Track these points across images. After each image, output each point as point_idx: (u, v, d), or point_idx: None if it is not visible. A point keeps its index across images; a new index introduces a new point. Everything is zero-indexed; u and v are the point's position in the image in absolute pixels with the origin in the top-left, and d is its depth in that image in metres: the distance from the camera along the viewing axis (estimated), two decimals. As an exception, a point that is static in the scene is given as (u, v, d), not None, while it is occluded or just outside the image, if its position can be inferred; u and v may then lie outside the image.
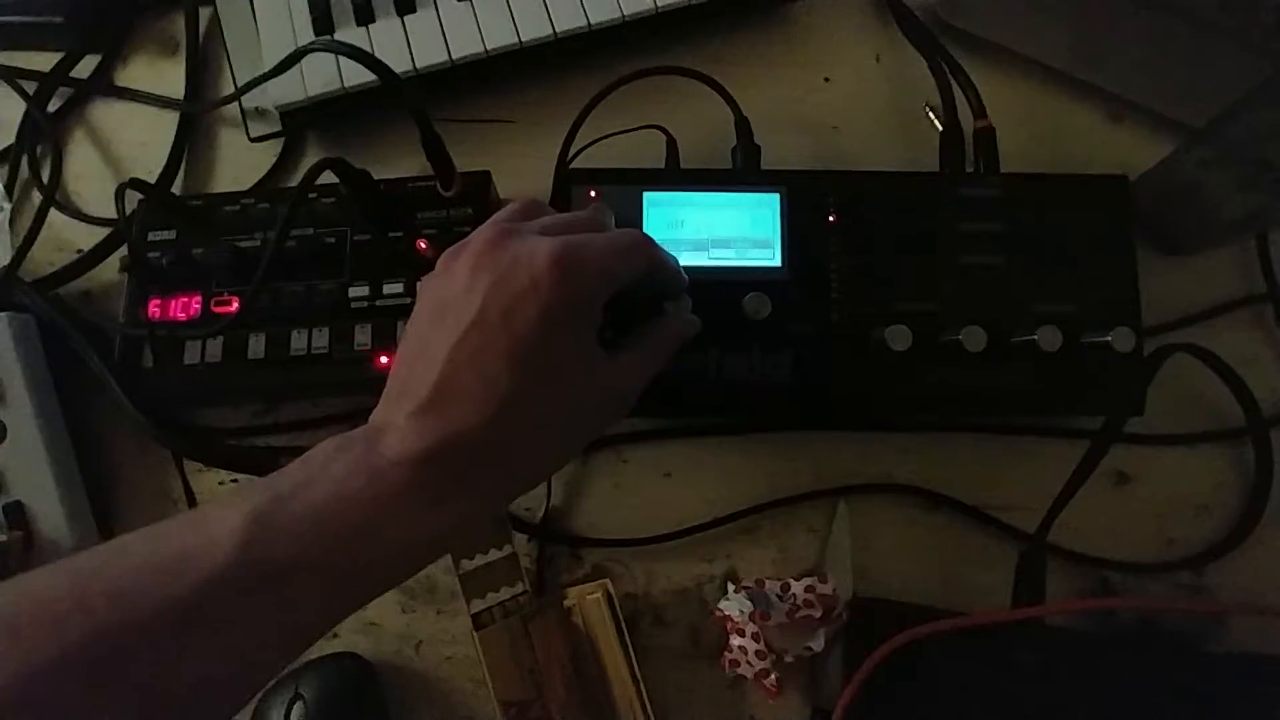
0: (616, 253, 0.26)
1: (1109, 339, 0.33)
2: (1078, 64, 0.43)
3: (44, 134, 0.43)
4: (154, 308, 0.37)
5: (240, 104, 0.41)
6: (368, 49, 0.40)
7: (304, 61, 0.38)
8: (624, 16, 0.41)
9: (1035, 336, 0.34)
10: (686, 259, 0.35)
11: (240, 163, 0.43)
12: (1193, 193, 0.38)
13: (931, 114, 0.41)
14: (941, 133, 0.39)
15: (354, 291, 0.36)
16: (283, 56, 0.33)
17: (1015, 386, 0.35)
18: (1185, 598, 0.36)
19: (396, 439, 0.22)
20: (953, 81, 0.40)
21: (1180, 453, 0.38)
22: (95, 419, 0.39)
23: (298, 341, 0.36)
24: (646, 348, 0.27)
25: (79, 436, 0.38)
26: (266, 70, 0.34)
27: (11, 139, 0.43)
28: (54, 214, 0.41)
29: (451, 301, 0.24)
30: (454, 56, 0.40)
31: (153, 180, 0.41)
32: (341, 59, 0.39)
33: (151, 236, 0.38)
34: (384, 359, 0.36)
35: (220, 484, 0.39)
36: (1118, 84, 0.42)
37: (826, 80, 0.44)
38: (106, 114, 0.44)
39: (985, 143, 0.39)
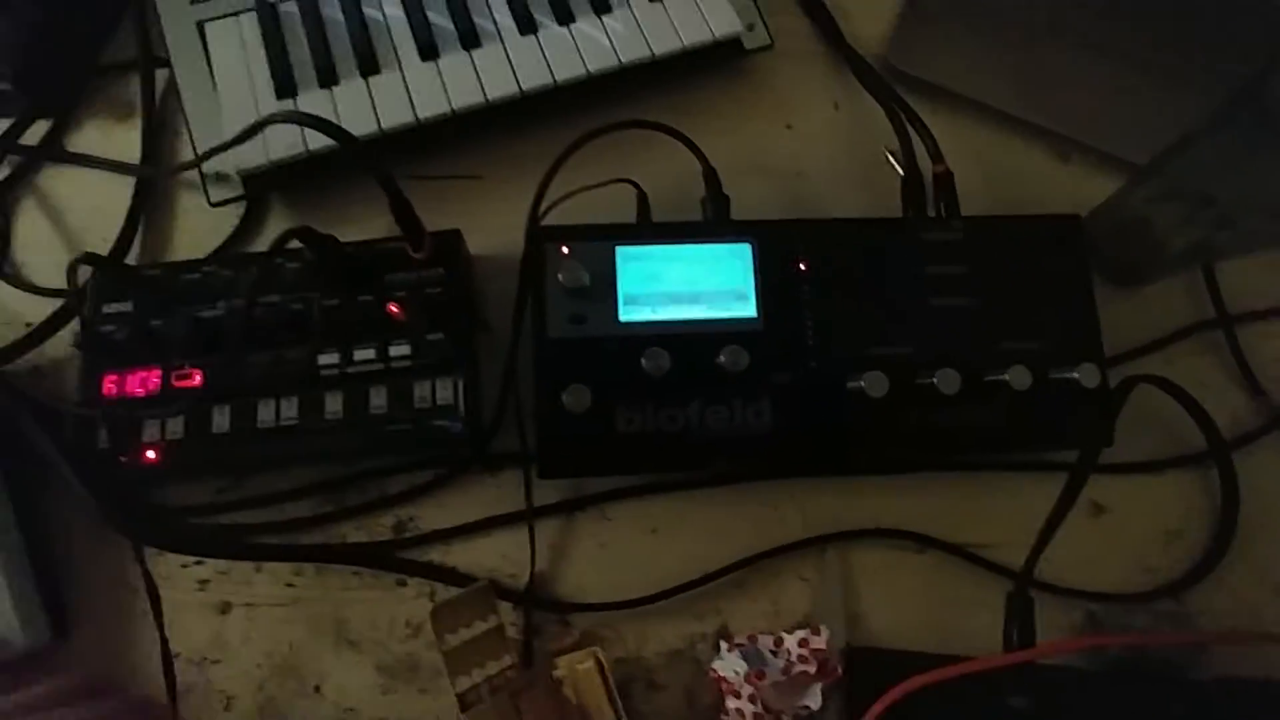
0: None
1: (1076, 375, 0.34)
2: (1025, 107, 0.45)
3: (-10, 204, 0.41)
4: (110, 384, 0.35)
5: (200, 169, 0.40)
6: (332, 112, 0.40)
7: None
8: (589, 73, 0.41)
9: (1006, 376, 0.34)
10: (664, 313, 0.36)
11: (199, 228, 0.41)
12: (1141, 227, 0.40)
13: (891, 158, 0.42)
14: (902, 178, 0.41)
15: (324, 359, 0.35)
16: (243, 119, 0.33)
17: (990, 425, 0.36)
18: (1169, 627, 0.37)
19: None
20: (909, 128, 0.41)
21: (1148, 480, 0.39)
22: (47, 504, 0.36)
23: (265, 413, 0.35)
24: None
25: (30, 524, 0.36)
26: (227, 140, 0.33)
27: (-45, 210, 0.41)
28: (1, 286, 0.39)
29: None
30: (420, 116, 0.40)
31: (108, 248, 0.40)
32: (305, 122, 0.38)
33: (106, 309, 0.36)
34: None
35: (183, 567, 0.37)
36: (1063, 125, 0.44)
37: (789, 128, 0.45)
38: (58, 181, 0.43)
39: (945, 187, 0.40)
